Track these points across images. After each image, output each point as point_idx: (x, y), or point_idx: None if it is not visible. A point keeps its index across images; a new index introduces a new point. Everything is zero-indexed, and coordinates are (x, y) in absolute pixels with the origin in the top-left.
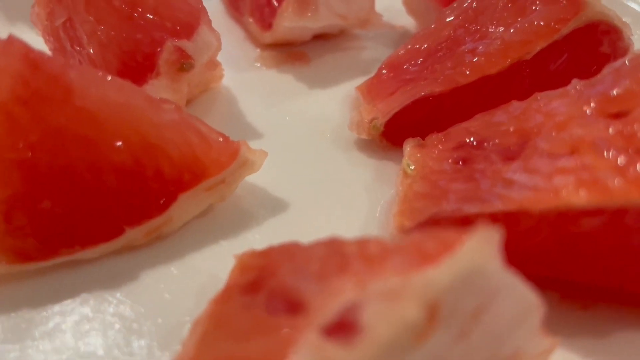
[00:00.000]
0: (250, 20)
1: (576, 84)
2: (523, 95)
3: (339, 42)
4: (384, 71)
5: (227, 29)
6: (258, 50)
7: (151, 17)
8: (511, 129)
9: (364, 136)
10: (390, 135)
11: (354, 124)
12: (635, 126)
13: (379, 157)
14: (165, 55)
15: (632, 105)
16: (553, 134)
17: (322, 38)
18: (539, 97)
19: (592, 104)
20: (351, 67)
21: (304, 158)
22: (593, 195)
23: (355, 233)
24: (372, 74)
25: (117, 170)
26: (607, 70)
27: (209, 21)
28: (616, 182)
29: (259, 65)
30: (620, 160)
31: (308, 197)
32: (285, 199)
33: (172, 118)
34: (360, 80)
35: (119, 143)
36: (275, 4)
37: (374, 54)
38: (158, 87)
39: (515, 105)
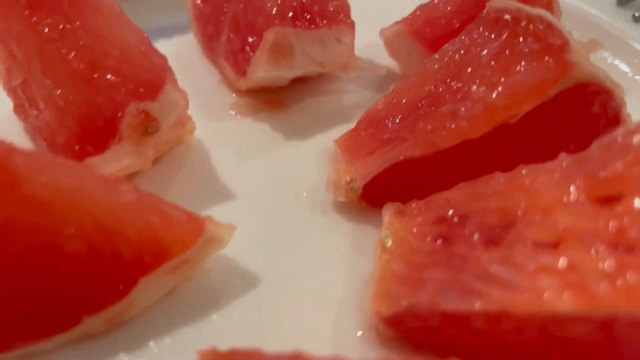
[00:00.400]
0: (225, 64)
1: (563, 160)
2: (508, 159)
3: (319, 85)
4: (362, 126)
5: (203, 70)
6: (234, 94)
7: (112, 78)
8: (494, 207)
9: (341, 199)
10: (369, 197)
11: (330, 185)
12: (625, 220)
13: (358, 220)
14: (128, 119)
15: (623, 190)
16: (537, 218)
17: (300, 81)
18: (523, 172)
19: (580, 186)
20: (331, 113)
21: (278, 223)
22: (579, 302)
23: (330, 314)
24: (353, 122)
25: (71, 258)
26: (597, 145)
27: (175, 80)
28: (604, 288)
29: (233, 113)
30: (609, 263)
31: (281, 269)
32: (256, 273)
33: (129, 199)
34: (340, 129)
35: (72, 230)
36: (249, 52)
37: (355, 98)
38: (121, 153)
39: (499, 178)
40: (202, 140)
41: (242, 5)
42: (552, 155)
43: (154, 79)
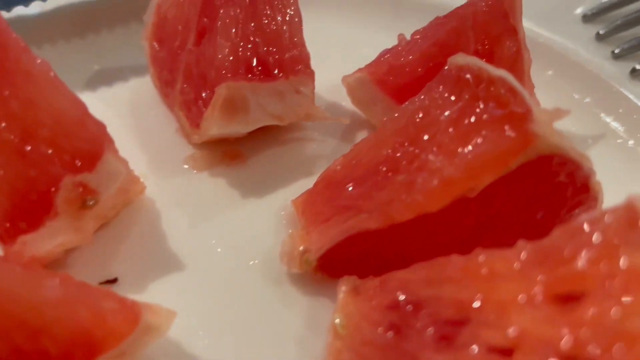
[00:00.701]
0: (180, 113)
1: (522, 248)
2: (470, 232)
3: (280, 133)
4: (320, 187)
5: (159, 116)
6: (190, 145)
7: (46, 149)
8: (449, 297)
9: (295, 270)
10: (325, 268)
11: (284, 256)
12: (582, 332)
13: (313, 292)
14: (64, 193)
15: (583, 289)
16: (492, 317)
17: (260, 129)
18: (481, 258)
19: (539, 282)
20: (292, 165)
21: (227, 298)
22: None
23: None
24: (314, 175)
25: None
26: (560, 233)
27: (115, 149)
28: None
29: (188, 167)
30: None
31: (228, 354)
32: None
33: (55, 295)
34: (300, 184)
35: None
36: (202, 106)
37: (318, 148)
38: (57, 229)
39: (456, 263)
40: (154, 200)
41: (194, 56)
42: (516, 226)
43: (91, 149)
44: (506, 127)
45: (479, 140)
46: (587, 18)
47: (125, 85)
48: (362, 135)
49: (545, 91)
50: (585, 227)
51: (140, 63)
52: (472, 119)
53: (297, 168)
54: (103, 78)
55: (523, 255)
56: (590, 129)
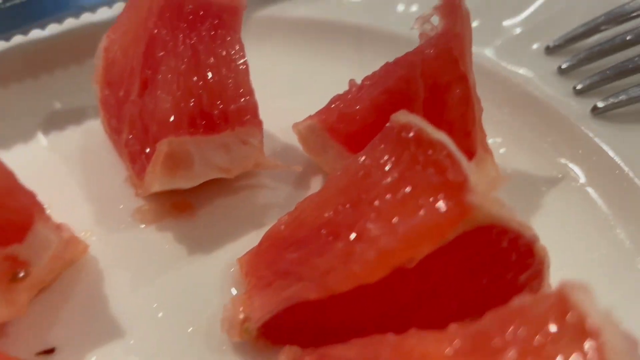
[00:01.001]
0: (128, 163)
1: (455, 333)
2: (410, 301)
3: (231, 181)
4: (264, 247)
5: (110, 164)
6: (138, 197)
7: None
8: None
9: (235, 339)
10: (267, 335)
11: (225, 323)
12: None
13: None
14: None
15: None
16: None
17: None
18: (413, 340)
19: None
20: (243, 216)
21: None
22: None
23: None
24: (266, 226)
25: None
26: (491, 318)
27: (47, 217)
28: None
29: (135, 221)
30: None
31: None
32: None
33: None
34: (250, 237)
35: None
36: (145, 161)
37: (271, 196)
38: None
39: (389, 342)
40: (97, 259)
41: (137, 107)
42: (461, 293)
43: (20, 219)
44: (442, 197)
45: (415, 210)
46: (550, 50)
47: (78, 128)
48: (316, 181)
49: (503, 131)
50: (516, 314)
51: (95, 104)
52: (409, 187)
53: (248, 219)
54: (55, 120)
55: (456, 342)
56: (547, 170)
